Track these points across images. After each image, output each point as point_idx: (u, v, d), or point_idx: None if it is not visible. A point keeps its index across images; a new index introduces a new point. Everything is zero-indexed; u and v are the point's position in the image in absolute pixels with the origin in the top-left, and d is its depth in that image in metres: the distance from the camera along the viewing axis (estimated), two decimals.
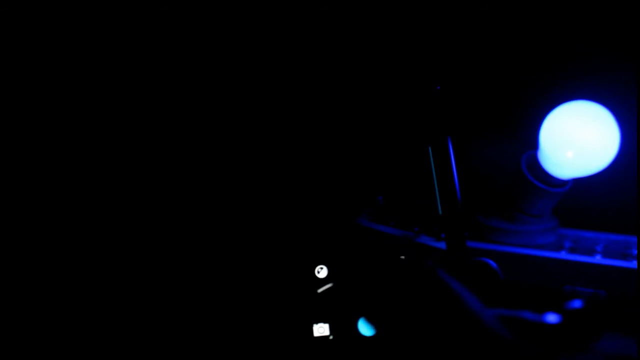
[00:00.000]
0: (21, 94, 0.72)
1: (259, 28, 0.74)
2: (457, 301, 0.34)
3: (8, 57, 0.71)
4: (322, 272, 0.56)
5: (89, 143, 0.74)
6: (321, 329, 0.57)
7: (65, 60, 0.73)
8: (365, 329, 0.57)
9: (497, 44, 0.71)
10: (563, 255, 0.62)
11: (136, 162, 0.74)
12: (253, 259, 0.64)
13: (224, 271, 0.66)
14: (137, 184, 0.73)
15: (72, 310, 0.67)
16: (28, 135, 0.72)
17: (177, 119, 0.75)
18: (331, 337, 0.57)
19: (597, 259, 0.60)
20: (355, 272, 0.52)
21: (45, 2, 0.70)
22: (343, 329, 0.57)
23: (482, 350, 0.31)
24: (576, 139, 0.59)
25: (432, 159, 0.56)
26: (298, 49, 0.74)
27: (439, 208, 0.57)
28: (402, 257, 0.55)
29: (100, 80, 0.74)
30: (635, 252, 0.60)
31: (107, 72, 0.74)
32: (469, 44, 0.72)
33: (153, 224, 0.72)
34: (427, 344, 0.33)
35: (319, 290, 0.56)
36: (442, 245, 0.62)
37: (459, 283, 0.36)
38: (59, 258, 0.70)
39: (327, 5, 0.72)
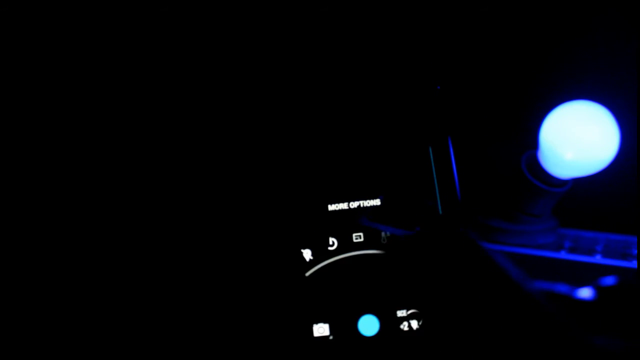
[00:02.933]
0: (21, 94, 0.72)
1: (259, 28, 0.74)
2: (502, 272, 0.33)
3: (8, 57, 0.71)
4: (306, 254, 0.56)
5: (88, 143, 0.74)
6: (321, 329, 0.57)
7: (65, 60, 0.73)
8: (366, 329, 0.57)
9: (497, 44, 0.71)
10: (563, 255, 0.62)
11: (136, 161, 0.74)
12: (253, 259, 0.64)
13: (224, 271, 0.66)
14: (137, 184, 0.73)
15: (72, 310, 0.67)
16: (28, 135, 0.72)
17: (177, 119, 0.75)
18: (331, 337, 0.57)
19: (597, 259, 0.60)
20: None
21: (45, 2, 0.70)
22: (343, 329, 0.57)
23: (529, 321, 0.30)
24: (576, 139, 0.59)
25: (432, 159, 0.57)
26: (298, 49, 0.74)
27: (439, 208, 0.57)
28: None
29: (100, 80, 0.74)
30: (635, 252, 0.60)
31: (107, 72, 0.74)
32: (469, 44, 0.72)
33: (153, 224, 0.72)
34: (474, 317, 0.32)
35: (307, 274, 0.56)
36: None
37: (501, 254, 0.35)
38: (59, 258, 0.70)
39: (327, 5, 0.72)
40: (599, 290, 0.34)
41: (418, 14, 0.71)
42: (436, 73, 0.72)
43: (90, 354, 0.64)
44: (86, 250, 0.70)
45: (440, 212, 0.58)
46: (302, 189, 0.63)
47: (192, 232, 0.70)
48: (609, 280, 0.36)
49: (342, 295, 0.58)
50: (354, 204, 0.61)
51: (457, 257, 0.34)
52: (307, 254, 0.59)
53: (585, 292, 0.34)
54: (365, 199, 0.62)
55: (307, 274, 0.58)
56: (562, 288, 0.35)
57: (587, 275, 0.59)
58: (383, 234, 0.59)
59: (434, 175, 0.57)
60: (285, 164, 0.64)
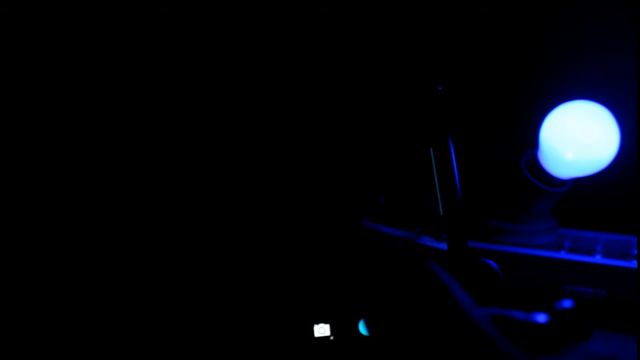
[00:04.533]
0: (21, 94, 0.72)
1: (259, 28, 0.74)
2: (447, 296, 0.34)
3: (8, 57, 0.71)
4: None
5: (89, 143, 0.73)
6: (322, 330, 0.57)
7: (65, 60, 0.72)
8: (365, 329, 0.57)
9: (497, 44, 0.71)
10: (563, 255, 0.62)
11: (136, 162, 0.74)
12: (254, 259, 0.64)
13: (225, 271, 0.66)
14: (137, 184, 0.73)
15: (72, 310, 0.67)
16: (28, 135, 0.72)
17: (178, 119, 0.75)
18: (332, 338, 0.57)
19: (597, 258, 0.60)
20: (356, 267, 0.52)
21: (45, 2, 0.70)
22: (344, 329, 0.57)
23: (468, 347, 0.32)
24: (576, 139, 0.59)
25: (433, 159, 0.57)
26: (299, 50, 0.74)
27: (440, 208, 0.57)
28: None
29: (100, 80, 0.74)
30: (635, 252, 0.60)
31: (107, 72, 0.74)
32: (470, 45, 0.72)
33: (155, 224, 0.72)
34: (417, 337, 0.34)
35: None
36: (443, 245, 0.62)
37: (452, 279, 0.36)
38: (59, 258, 0.70)
39: (327, 6, 0.72)
40: (554, 314, 0.36)
41: (419, 15, 0.71)
42: (437, 74, 0.72)
43: (91, 354, 0.64)
44: (89, 250, 0.70)
45: (441, 212, 0.58)
46: (301, 189, 0.63)
47: (192, 231, 0.70)
48: (565, 304, 0.37)
49: (343, 296, 0.58)
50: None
51: (407, 277, 0.37)
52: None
53: (540, 317, 0.36)
54: (366, 200, 0.62)
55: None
56: (517, 314, 0.37)
57: (587, 275, 0.59)
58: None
59: (435, 176, 0.57)
60: (286, 163, 0.64)
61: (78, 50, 0.73)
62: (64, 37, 0.72)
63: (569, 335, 0.35)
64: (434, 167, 0.56)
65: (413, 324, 0.35)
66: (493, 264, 0.60)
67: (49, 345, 0.65)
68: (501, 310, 0.36)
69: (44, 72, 0.72)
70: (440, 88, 0.56)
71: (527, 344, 0.33)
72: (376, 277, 0.39)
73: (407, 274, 0.37)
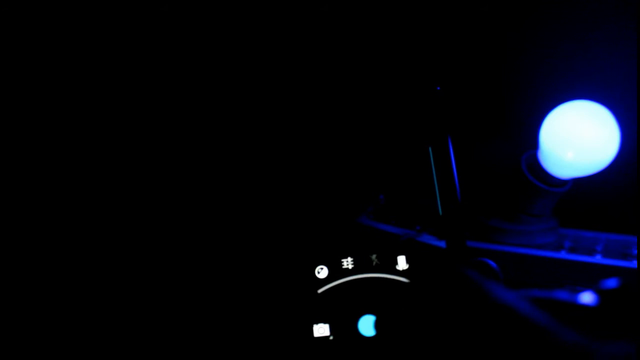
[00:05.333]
0: (21, 94, 0.72)
1: (259, 28, 0.74)
2: (481, 293, 0.32)
3: (8, 57, 0.71)
4: (322, 272, 0.56)
5: (88, 143, 0.74)
6: (321, 330, 0.57)
7: (65, 60, 0.73)
8: (366, 329, 0.57)
9: (497, 44, 0.71)
10: (563, 255, 0.62)
11: (136, 162, 0.74)
12: (253, 259, 0.64)
13: (224, 271, 0.66)
14: (137, 184, 0.73)
15: (72, 310, 0.67)
16: (28, 135, 0.72)
17: (178, 119, 0.75)
18: (331, 338, 0.57)
19: (597, 258, 0.60)
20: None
21: (45, 2, 0.70)
22: (343, 329, 0.57)
23: (518, 340, 0.29)
24: (576, 139, 0.59)
25: (432, 159, 0.56)
26: (298, 49, 0.74)
27: (439, 208, 0.57)
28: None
29: (100, 80, 0.74)
30: (635, 252, 0.60)
31: (107, 72, 0.74)
32: (469, 44, 0.72)
33: (154, 224, 0.72)
34: (457, 344, 0.31)
35: (319, 291, 0.56)
36: (443, 244, 0.62)
37: (478, 274, 0.34)
38: (58, 258, 0.70)
39: (327, 5, 0.72)
40: (601, 294, 0.33)
41: (418, 15, 0.71)
42: (436, 74, 0.72)
43: (91, 354, 0.64)
44: (88, 250, 0.70)
45: (440, 212, 0.58)
46: (300, 189, 0.63)
47: (192, 230, 0.70)
48: (611, 283, 0.35)
49: (342, 295, 0.58)
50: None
51: (437, 284, 0.33)
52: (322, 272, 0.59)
53: (586, 297, 0.33)
54: (365, 198, 0.62)
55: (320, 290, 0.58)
56: (562, 295, 0.34)
57: (587, 275, 0.59)
58: (374, 257, 0.59)
59: (434, 176, 0.57)
60: (286, 163, 0.64)
61: (78, 50, 0.73)
62: (64, 37, 0.72)
63: (621, 317, 0.32)
64: (433, 166, 0.56)
65: (448, 327, 0.32)
66: (493, 263, 0.60)
67: (49, 345, 0.65)
68: (542, 292, 0.34)
69: (43, 72, 0.72)
70: (439, 88, 0.56)
71: (576, 328, 0.30)
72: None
73: (434, 276, 0.34)
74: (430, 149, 0.56)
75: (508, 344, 0.29)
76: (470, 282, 0.32)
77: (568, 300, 0.33)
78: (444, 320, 0.31)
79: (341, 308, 0.57)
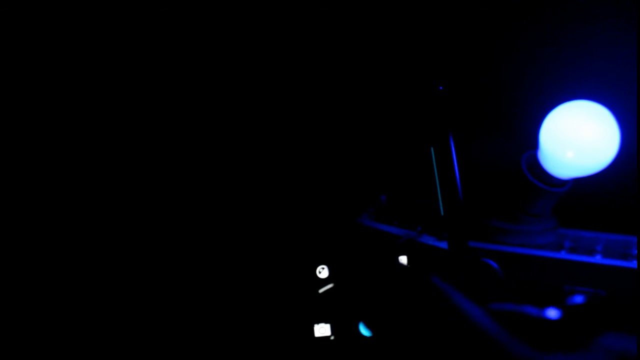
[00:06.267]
0: (21, 94, 0.72)
1: (260, 28, 0.74)
2: (449, 303, 0.35)
3: (8, 57, 0.71)
4: (323, 272, 0.56)
5: (89, 143, 0.73)
6: (322, 329, 0.57)
7: (65, 61, 0.72)
8: (366, 329, 0.57)
9: (497, 44, 0.71)
10: (563, 255, 0.62)
11: (137, 163, 0.74)
12: (255, 259, 0.64)
13: (226, 271, 0.66)
14: (139, 185, 0.73)
15: (72, 310, 0.67)
16: (28, 135, 0.72)
17: (178, 119, 0.75)
18: (332, 338, 0.57)
19: (597, 258, 0.60)
20: (356, 273, 0.53)
21: (45, 2, 0.70)
22: (344, 329, 0.57)
23: (474, 351, 0.32)
24: (576, 139, 0.59)
25: (434, 159, 0.56)
26: (300, 50, 0.74)
27: (441, 208, 0.57)
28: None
29: (100, 80, 0.74)
30: (635, 252, 0.60)
31: (107, 72, 0.74)
32: (470, 44, 0.72)
33: (155, 225, 0.72)
34: (421, 347, 0.34)
35: (320, 291, 0.56)
36: (444, 244, 0.62)
37: (453, 288, 0.37)
38: (59, 258, 0.70)
39: (327, 6, 0.72)
40: (566, 310, 0.36)
41: (420, 15, 0.71)
42: (438, 74, 0.72)
43: (91, 354, 0.64)
44: (88, 250, 0.70)
45: (442, 212, 0.58)
46: (302, 189, 0.63)
47: (192, 230, 0.70)
48: (577, 299, 0.37)
49: (343, 296, 0.58)
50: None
51: (408, 290, 0.37)
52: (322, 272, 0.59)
53: (552, 313, 0.36)
54: (367, 198, 0.62)
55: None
56: (528, 310, 0.37)
57: (587, 275, 0.59)
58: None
59: (436, 176, 0.57)
60: (286, 163, 0.64)
61: (78, 50, 0.72)
62: (64, 37, 0.72)
63: (582, 331, 0.34)
64: (435, 166, 0.56)
65: (414, 330, 0.35)
66: (493, 263, 0.60)
67: (49, 345, 0.65)
68: (513, 306, 0.36)
69: (44, 72, 0.72)
70: (441, 88, 0.56)
71: (538, 340, 0.33)
72: (377, 278, 0.39)
73: (407, 282, 0.38)
74: (432, 149, 0.56)
75: (461, 350, 0.32)
76: (436, 292, 0.35)
77: (535, 315, 0.35)
78: (411, 324, 0.35)
79: (342, 308, 0.57)
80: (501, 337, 0.32)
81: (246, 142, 0.73)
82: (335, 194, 0.64)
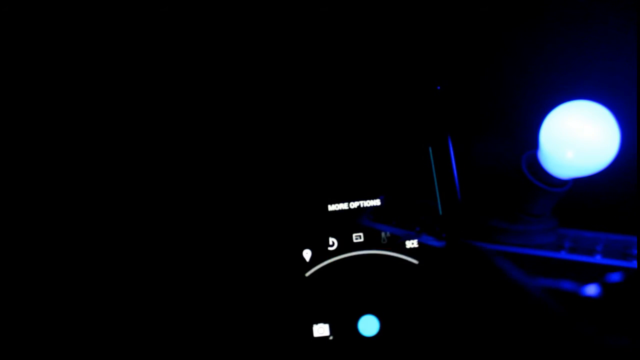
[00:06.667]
0: (21, 94, 0.72)
1: (259, 28, 0.74)
2: (502, 274, 0.33)
3: (8, 57, 0.71)
4: (307, 255, 0.56)
5: (88, 143, 0.74)
6: (321, 330, 0.57)
7: (65, 60, 0.73)
8: (366, 329, 0.57)
9: (497, 44, 0.71)
10: (563, 255, 0.62)
11: (136, 162, 0.74)
12: (252, 259, 0.64)
13: (223, 271, 0.66)
14: (133, 181, 0.73)
15: (72, 310, 0.67)
16: (28, 135, 0.72)
17: (177, 119, 0.75)
18: (331, 338, 0.57)
19: (597, 258, 0.60)
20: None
21: (45, 2, 0.70)
22: (343, 329, 0.57)
23: (535, 323, 0.30)
24: (576, 139, 0.59)
25: (432, 159, 0.57)
26: (297, 49, 0.74)
27: (440, 208, 0.57)
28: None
29: (100, 80, 0.74)
30: (635, 252, 0.60)
31: (107, 72, 0.74)
32: (469, 44, 0.72)
33: (152, 225, 0.72)
34: (476, 322, 0.32)
35: (307, 274, 0.56)
36: (442, 245, 0.62)
37: (501, 257, 0.35)
38: (59, 258, 0.70)
39: (327, 6, 0.72)
40: (605, 287, 0.34)
41: (418, 15, 0.71)
42: (436, 73, 0.72)
43: (90, 354, 0.64)
44: (87, 249, 0.70)
45: (441, 212, 0.58)
46: (302, 188, 0.63)
47: (192, 232, 0.70)
48: (615, 277, 0.35)
49: (342, 295, 0.58)
50: (354, 204, 0.61)
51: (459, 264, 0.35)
52: (307, 255, 0.59)
53: (591, 289, 0.34)
54: (365, 199, 0.62)
55: (307, 274, 0.58)
56: (567, 285, 0.35)
57: (587, 275, 0.59)
58: (383, 234, 0.59)
59: (434, 176, 0.57)
60: (286, 163, 0.64)
61: (78, 50, 0.73)
62: (64, 37, 0.72)
63: (623, 310, 0.33)
64: (433, 166, 0.56)
65: (468, 304, 0.33)
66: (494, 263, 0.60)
67: (49, 345, 0.65)
68: (550, 281, 0.35)
69: (44, 72, 0.72)
70: (439, 87, 0.56)
71: (577, 317, 0.31)
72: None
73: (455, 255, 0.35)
74: (430, 149, 0.56)
75: (522, 324, 0.29)
76: (484, 259, 0.33)
77: (573, 290, 0.33)
78: (457, 298, 0.33)
79: (341, 307, 0.57)
80: (564, 315, 0.30)
81: (246, 142, 0.73)
82: (333, 194, 0.64)
